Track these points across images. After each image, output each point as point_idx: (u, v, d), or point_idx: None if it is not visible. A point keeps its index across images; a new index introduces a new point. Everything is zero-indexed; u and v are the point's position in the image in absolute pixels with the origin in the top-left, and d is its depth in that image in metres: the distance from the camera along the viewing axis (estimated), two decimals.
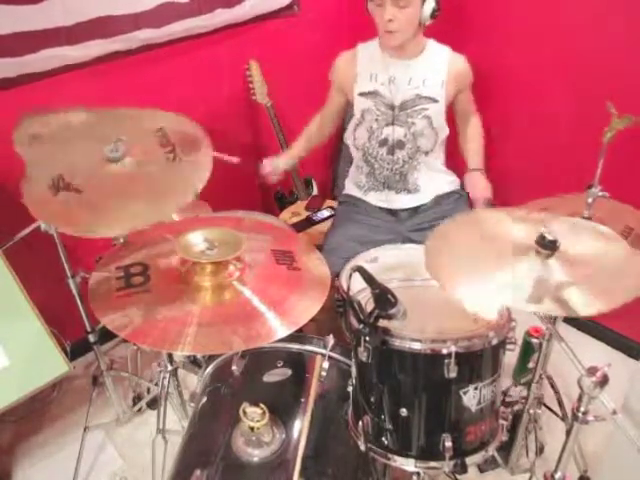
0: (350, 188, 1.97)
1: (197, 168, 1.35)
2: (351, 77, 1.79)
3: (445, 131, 1.82)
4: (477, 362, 1.14)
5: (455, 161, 1.92)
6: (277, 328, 1.08)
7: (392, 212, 1.89)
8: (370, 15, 1.67)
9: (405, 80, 1.73)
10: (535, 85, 1.98)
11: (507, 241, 1.14)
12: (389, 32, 1.63)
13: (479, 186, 1.76)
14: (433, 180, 1.87)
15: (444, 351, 1.08)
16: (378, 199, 1.89)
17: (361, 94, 1.78)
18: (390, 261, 1.49)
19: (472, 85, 1.82)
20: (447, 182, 1.90)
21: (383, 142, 1.80)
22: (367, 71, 1.76)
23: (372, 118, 1.78)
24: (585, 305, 0.99)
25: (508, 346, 1.20)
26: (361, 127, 1.82)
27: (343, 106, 1.90)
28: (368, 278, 1.10)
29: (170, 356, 1.52)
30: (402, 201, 1.87)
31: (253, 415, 1.11)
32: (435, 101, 1.75)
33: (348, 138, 1.91)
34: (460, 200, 1.87)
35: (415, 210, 1.87)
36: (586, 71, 1.82)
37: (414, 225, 1.83)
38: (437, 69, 1.74)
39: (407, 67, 1.73)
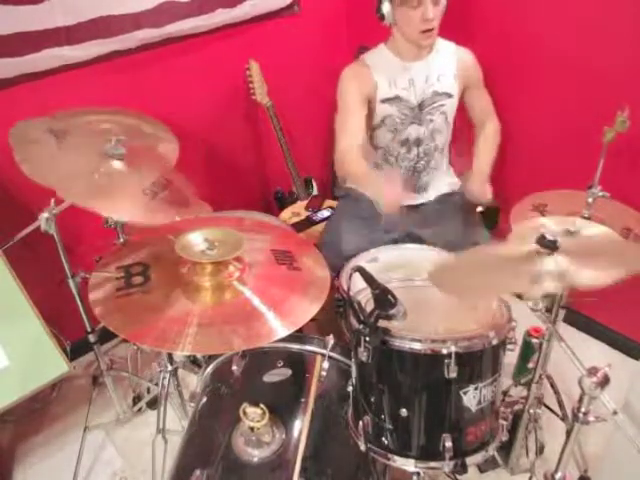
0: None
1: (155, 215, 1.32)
2: (372, 85, 1.75)
3: (452, 124, 1.84)
4: (477, 362, 1.14)
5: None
6: (277, 328, 1.08)
7: None
8: (381, 21, 1.66)
9: (422, 79, 1.75)
10: (536, 85, 1.98)
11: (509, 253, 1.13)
12: (428, 31, 1.63)
13: (476, 193, 1.71)
14: (437, 179, 1.89)
15: (444, 351, 1.08)
16: None
17: (383, 101, 1.76)
18: (390, 261, 1.49)
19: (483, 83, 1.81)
20: (449, 183, 1.92)
21: (404, 142, 1.81)
22: (385, 77, 1.75)
23: (395, 122, 1.78)
24: (586, 278, 0.99)
25: (508, 346, 1.20)
26: (381, 129, 1.81)
27: (365, 115, 1.79)
28: (368, 278, 1.10)
29: (170, 356, 1.52)
30: (407, 198, 1.87)
31: (253, 415, 1.11)
32: (450, 96, 1.77)
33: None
34: (460, 201, 1.87)
35: (417, 207, 1.88)
36: (588, 71, 1.82)
37: (415, 221, 1.83)
38: (447, 63, 1.76)
39: (422, 66, 1.74)
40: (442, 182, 1.90)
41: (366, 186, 1.67)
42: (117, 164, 1.32)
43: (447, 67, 1.76)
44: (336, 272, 1.41)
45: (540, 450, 1.65)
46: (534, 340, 1.62)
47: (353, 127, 1.73)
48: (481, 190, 1.70)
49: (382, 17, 1.67)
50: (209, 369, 1.40)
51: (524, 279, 1.01)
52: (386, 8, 1.64)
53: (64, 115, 1.50)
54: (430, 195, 1.89)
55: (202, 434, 1.27)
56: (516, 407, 1.55)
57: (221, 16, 1.96)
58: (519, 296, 1.12)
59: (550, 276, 1.00)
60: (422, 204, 1.88)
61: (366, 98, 1.74)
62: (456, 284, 1.13)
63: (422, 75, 1.74)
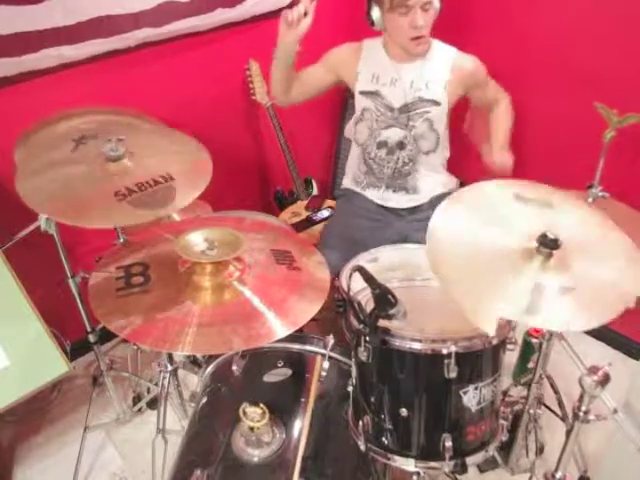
0: (349, 182, 1.97)
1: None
2: (352, 71, 1.77)
3: (446, 131, 1.82)
4: (477, 362, 1.14)
5: (457, 161, 1.93)
6: (277, 328, 1.08)
7: (390, 209, 1.89)
8: (371, 26, 1.67)
9: (407, 83, 1.73)
10: (536, 86, 1.98)
11: (508, 242, 1.13)
12: (418, 38, 1.62)
13: (497, 162, 1.70)
14: (431, 181, 1.87)
15: (444, 351, 1.08)
16: (376, 196, 1.89)
17: (362, 93, 1.78)
18: (390, 261, 1.49)
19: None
20: (444, 183, 1.90)
21: (382, 144, 1.80)
22: (369, 70, 1.76)
23: (372, 117, 1.78)
24: (579, 320, 0.99)
25: (508, 346, 1.20)
26: (362, 123, 1.82)
27: (324, 86, 1.84)
28: (368, 278, 1.10)
29: (170, 356, 1.52)
30: (399, 200, 1.87)
31: (253, 415, 1.11)
32: (437, 104, 1.74)
33: (349, 132, 1.91)
34: None
35: (412, 209, 1.88)
36: (587, 71, 1.82)
37: (412, 223, 1.84)
38: (440, 70, 1.73)
39: (410, 70, 1.73)
40: (436, 183, 1.88)
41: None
42: (111, 167, 1.31)
43: (439, 74, 1.73)
44: (335, 273, 1.40)
45: (540, 450, 1.65)
46: (534, 340, 1.62)
47: (304, 73, 1.82)
48: (502, 159, 1.70)
49: (372, 23, 1.67)
50: (209, 369, 1.40)
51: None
52: (376, 14, 1.64)
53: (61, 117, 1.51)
54: (423, 197, 1.87)
55: (202, 434, 1.27)
56: (516, 407, 1.55)
57: (221, 16, 1.95)
58: None
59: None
60: (416, 206, 1.87)
61: (335, 75, 1.81)
62: (449, 270, 1.12)
63: (408, 78, 1.73)
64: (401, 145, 1.79)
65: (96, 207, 1.24)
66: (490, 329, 0.96)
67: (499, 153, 1.74)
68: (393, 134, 1.78)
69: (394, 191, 1.86)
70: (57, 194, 1.25)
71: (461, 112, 1.86)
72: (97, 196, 1.25)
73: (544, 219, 1.09)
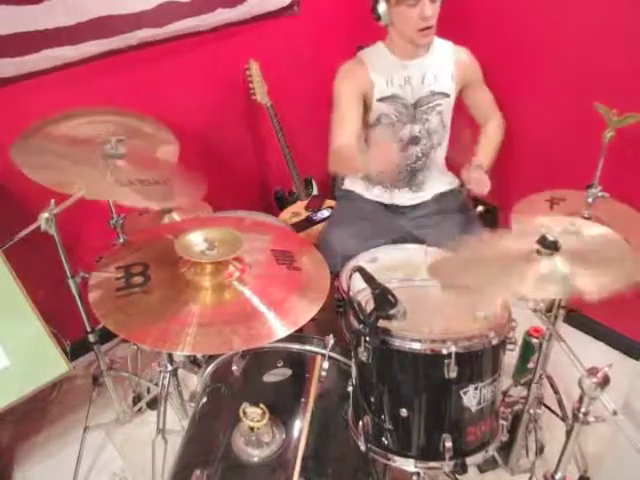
0: (351, 184, 1.97)
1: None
2: (368, 83, 1.74)
3: (449, 125, 1.84)
4: (477, 362, 1.14)
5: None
6: (277, 328, 1.08)
7: (392, 208, 1.89)
8: (377, 21, 1.66)
9: (419, 78, 1.74)
10: (536, 85, 1.98)
11: (509, 250, 1.13)
12: (426, 29, 1.62)
13: (478, 182, 1.66)
14: (435, 178, 1.88)
15: (444, 351, 1.08)
16: (380, 195, 1.89)
17: (380, 99, 1.76)
18: (390, 261, 1.49)
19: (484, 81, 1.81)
20: (446, 181, 1.91)
21: (397, 141, 1.81)
22: (383, 76, 1.74)
23: (390, 121, 1.77)
24: (590, 287, 0.98)
25: (508, 346, 1.20)
26: (379, 127, 1.81)
27: (361, 108, 1.79)
28: (368, 278, 1.10)
29: (170, 356, 1.52)
30: (404, 198, 1.87)
31: (253, 415, 1.11)
32: (447, 96, 1.77)
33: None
34: (459, 198, 1.87)
35: (415, 206, 1.88)
36: (587, 71, 1.82)
37: (414, 221, 1.84)
38: (445, 63, 1.76)
39: (419, 65, 1.74)
40: (439, 181, 1.89)
41: (363, 167, 1.69)
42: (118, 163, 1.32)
43: (444, 67, 1.75)
44: (334, 273, 1.40)
45: (540, 450, 1.65)
46: (534, 340, 1.62)
47: (348, 125, 1.74)
48: (480, 178, 1.65)
49: (378, 17, 1.66)
50: (209, 369, 1.40)
51: (526, 280, 1.01)
52: (382, 8, 1.63)
53: (62, 117, 1.51)
54: (427, 194, 1.88)
55: (202, 434, 1.27)
56: (516, 407, 1.55)
57: (221, 16, 1.96)
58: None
59: (553, 280, 0.99)
60: (419, 204, 1.88)
61: (361, 96, 1.74)
62: (455, 280, 1.13)
63: (418, 74, 1.74)
64: (415, 140, 1.80)
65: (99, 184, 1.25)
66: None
67: (477, 173, 1.66)
68: (408, 131, 1.79)
69: (399, 189, 1.87)
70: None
71: (461, 109, 1.86)
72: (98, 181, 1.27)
73: None
